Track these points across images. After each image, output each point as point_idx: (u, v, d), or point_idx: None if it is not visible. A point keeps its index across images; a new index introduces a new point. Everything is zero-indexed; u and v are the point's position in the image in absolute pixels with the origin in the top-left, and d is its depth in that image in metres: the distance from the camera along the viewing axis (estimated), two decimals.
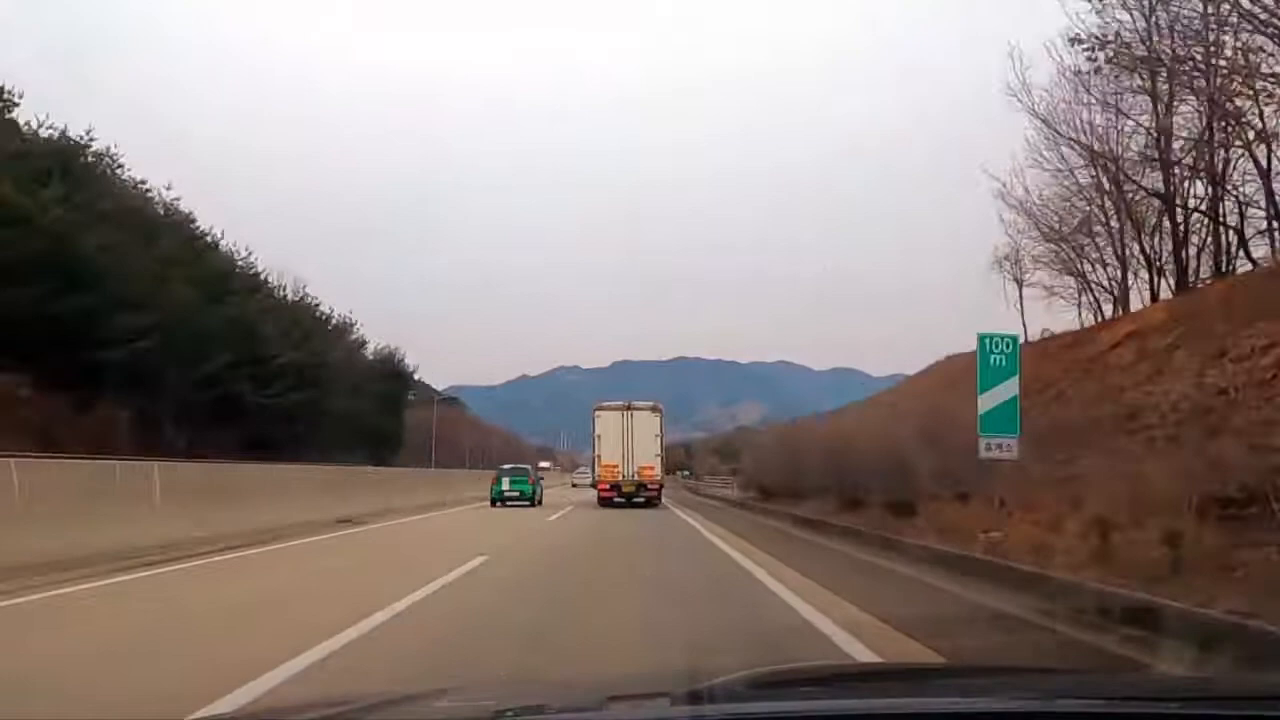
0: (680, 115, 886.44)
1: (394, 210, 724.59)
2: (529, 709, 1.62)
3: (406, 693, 1.80)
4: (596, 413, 25.05)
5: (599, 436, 24.46)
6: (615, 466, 23.97)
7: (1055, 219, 24.08)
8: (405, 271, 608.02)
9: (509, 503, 25.01)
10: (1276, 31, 13.74)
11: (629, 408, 24.88)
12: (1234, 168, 18.60)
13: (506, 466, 28.91)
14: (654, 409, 25.20)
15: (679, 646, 5.09)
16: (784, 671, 2.22)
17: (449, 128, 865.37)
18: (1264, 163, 17.36)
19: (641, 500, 23.84)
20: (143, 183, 32.47)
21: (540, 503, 26.07)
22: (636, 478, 23.94)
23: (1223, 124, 17.77)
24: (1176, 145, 19.28)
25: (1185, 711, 1.37)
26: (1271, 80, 15.05)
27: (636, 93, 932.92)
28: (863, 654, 4.92)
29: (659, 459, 24.65)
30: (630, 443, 24.04)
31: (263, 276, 40.09)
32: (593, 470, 26.09)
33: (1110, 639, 4.96)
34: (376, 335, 55.49)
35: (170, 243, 31.15)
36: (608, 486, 24.04)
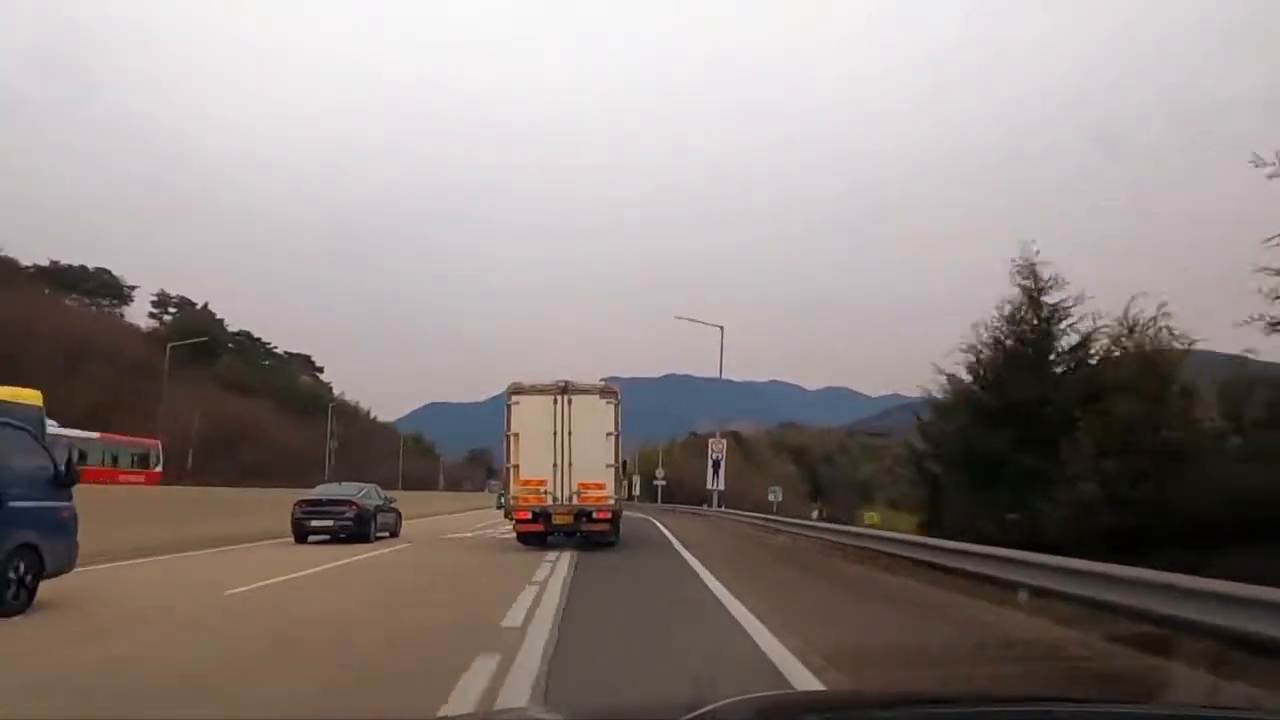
0: (674, 137, 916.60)
1: (368, 230, 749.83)
2: None
3: None
4: (513, 399, 17.49)
5: (514, 435, 17.24)
6: (541, 483, 17.00)
7: None
8: (377, 285, 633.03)
9: None
10: None
11: (565, 390, 17.40)
12: None
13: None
14: (604, 393, 17.83)
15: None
16: (786, 698, 2.36)
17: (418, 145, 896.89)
18: None
19: (586, 534, 17.42)
20: None
21: None
22: (575, 502, 17.01)
23: None
24: None
25: None
26: None
27: (618, 111, 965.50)
28: None
29: (613, 471, 17.31)
30: (566, 446, 17.07)
31: None
32: (505, 488, 17.89)
33: None
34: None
35: None
36: (530, 515, 17.04)
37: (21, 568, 8.52)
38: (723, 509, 34.31)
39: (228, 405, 60.75)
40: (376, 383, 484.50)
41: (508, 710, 3.07)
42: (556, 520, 17.15)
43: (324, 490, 21.26)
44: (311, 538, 19.33)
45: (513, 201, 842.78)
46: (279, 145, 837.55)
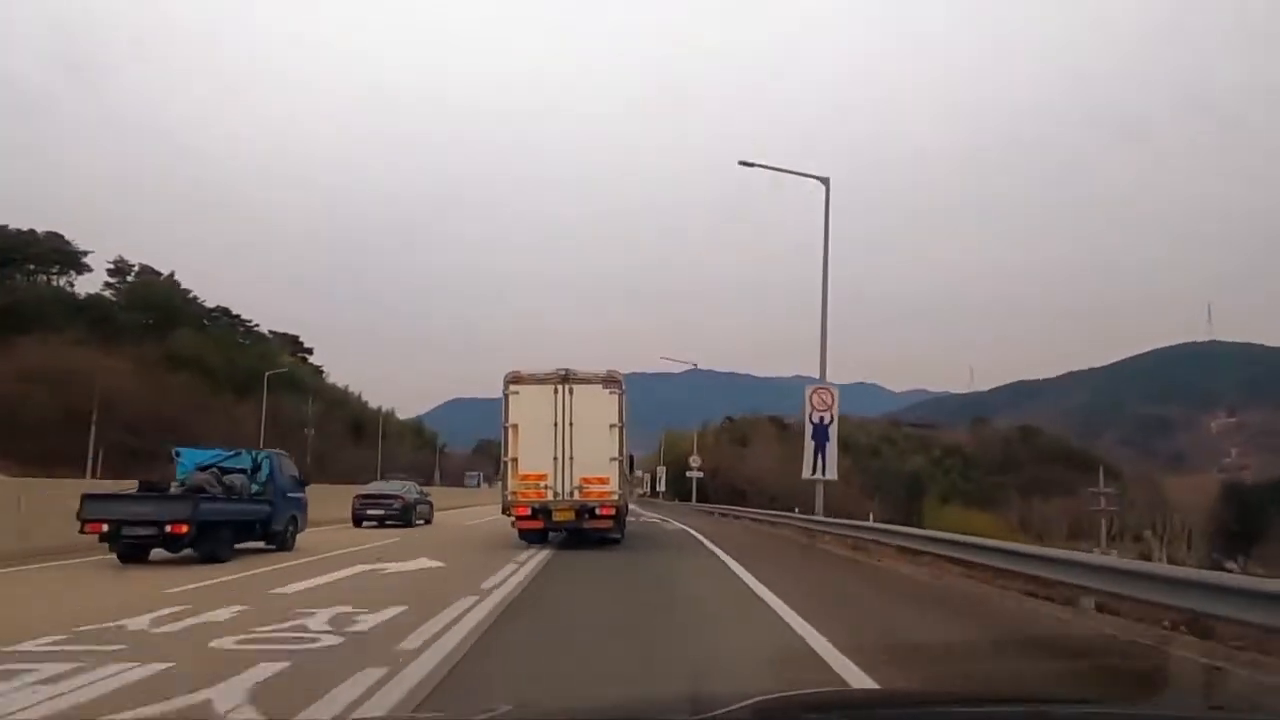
0: (688, 129, 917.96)
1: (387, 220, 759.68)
2: None
3: None
4: (511, 388, 16.90)
5: (513, 427, 16.75)
6: (541, 478, 16.52)
7: None
8: (393, 278, 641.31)
9: None
10: None
11: (565, 379, 16.84)
12: None
13: None
14: (608, 382, 17.00)
15: None
16: (788, 698, 2.44)
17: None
18: None
19: (588, 532, 16.94)
20: None
21: None
22: (577, 497, 16.53)
23: None
24: None
25: None
26: None
27: (635, 96, 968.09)
28: None
29: (617, 465, 16.75)
30: (567, 438, 16.57)
31: None
32: (504, 483, 17.28)
33: None
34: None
35: None
36: (529, 511, 16.60)
37: (291, 528, 16.26)
38: (864, 522, 20.13)
39: (164, 382, 55.68)
40: (401, 380, 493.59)
41: (506, 708, 2.96)
42: (557, 517, 16.69)
43: (376, 486, 27.09)
44: (365, 523, 24.37)
45: (529, 200, 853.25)
46: (309, 148, 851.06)
